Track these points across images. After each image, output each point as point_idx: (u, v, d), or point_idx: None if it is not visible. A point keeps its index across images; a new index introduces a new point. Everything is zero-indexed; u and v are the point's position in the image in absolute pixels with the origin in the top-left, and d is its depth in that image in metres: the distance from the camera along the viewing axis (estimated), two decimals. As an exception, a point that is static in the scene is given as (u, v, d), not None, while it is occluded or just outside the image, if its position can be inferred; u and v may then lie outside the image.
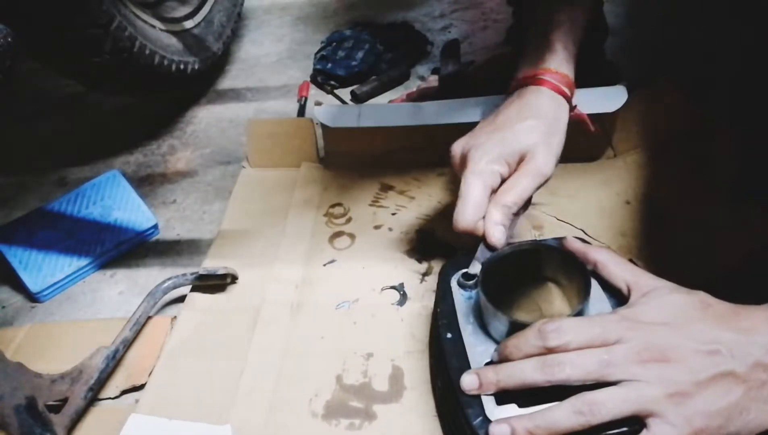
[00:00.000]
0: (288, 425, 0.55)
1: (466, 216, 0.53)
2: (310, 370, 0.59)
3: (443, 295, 0.54)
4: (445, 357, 0.49)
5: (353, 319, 0.64)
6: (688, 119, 0.74)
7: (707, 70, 0.81)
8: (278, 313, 0.65)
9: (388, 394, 0.57)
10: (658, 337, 0.42)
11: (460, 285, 0.54)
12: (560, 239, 0.54)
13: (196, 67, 0.98)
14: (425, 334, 0.60)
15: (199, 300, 0.68)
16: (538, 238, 0.61)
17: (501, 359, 0.46)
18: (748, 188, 0.65)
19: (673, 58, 0.90)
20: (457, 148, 0.58)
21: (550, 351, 0.43)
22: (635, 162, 0.76)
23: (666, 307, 0.44)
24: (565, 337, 0.43)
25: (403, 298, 0.65)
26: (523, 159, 0.55)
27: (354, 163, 0.81)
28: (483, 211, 0.54)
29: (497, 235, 0.53)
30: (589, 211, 0.72)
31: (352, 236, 0.73)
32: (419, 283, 0.66)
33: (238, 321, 0.65)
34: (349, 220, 0.75)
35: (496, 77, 0.88)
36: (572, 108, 0.61)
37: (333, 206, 0.77)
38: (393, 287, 0.66)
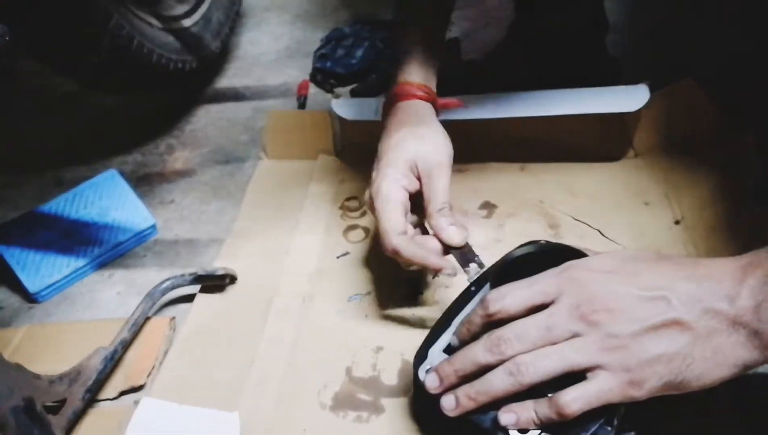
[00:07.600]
0: (295, 415, 0.55)
1: (391, 238, 0.54)
2: (320, 361, 0.60)
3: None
4: None
5: (365, 312, 0.64)
6: (710, 119, 0.73)
7: (713, 68, 0.81)
8: (290, 304, 0.65)
9: (397, 388, 0.57)
10: (598, 285, 0.42)
11: None
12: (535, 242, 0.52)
13: (194, 65, 0.98)
14: None
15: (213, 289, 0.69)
16: (549, 240, 0.58)
17: (459, 344, 0.47)
18: None
19: (677, 56, 0.90)
20: (366, 195, 0.60)
21: (491, 317, 0.44)
22: (656, 163, 0.75)
23: (617, 258, 0.44)
24: (504, 300, 0.44)
25: (415, 293, 0.65)
26: (415, 165, 0.57)
27: (370, 156, 0.80)
28: (403, 228, 0.55)
29: (455, 233, 0.54)
30: (607, 211, 0.71)
31: (366, 230, 0.74)
32: (431, 277, 0.66)
33: (250, 311, 0.66)
34: (363, 214, 0.76)
35: (497, 74, 0.89)
36: (436, 105, 0.65)
37: (348, 199, 0.78)
38: (405, 281, 0.66)
